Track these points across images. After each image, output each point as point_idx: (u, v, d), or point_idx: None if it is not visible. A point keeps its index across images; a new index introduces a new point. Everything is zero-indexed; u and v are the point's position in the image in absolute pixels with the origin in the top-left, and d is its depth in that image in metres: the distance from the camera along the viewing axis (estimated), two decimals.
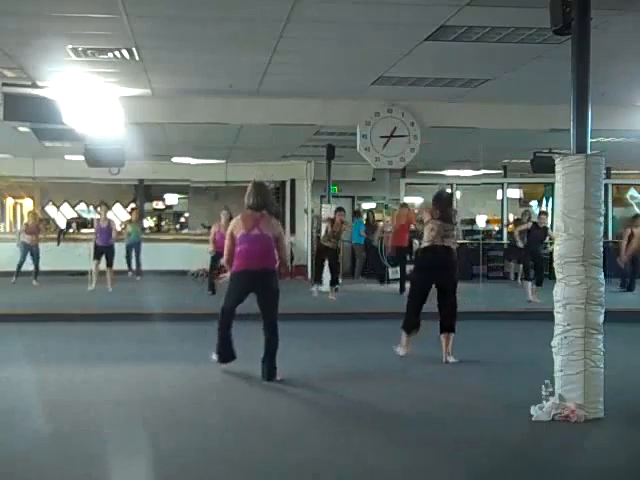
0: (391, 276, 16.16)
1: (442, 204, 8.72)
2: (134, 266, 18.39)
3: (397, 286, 15.53)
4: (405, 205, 16.97)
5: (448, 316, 8.44)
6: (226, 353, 7.66)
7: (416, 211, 16.00)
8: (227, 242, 7.59)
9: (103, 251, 15.78)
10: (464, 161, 19.73)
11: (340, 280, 16.96)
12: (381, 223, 19.78)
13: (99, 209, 17.10)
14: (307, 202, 21.48)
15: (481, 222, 22.44)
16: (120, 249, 17.05)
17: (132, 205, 22.84)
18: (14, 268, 16.73)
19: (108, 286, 15.48)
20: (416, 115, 12.54)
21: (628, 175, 22.09)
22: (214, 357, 7.78)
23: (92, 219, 18.01)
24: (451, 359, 8.40)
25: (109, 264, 15.77)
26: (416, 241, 14.71)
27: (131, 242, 18.36)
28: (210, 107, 12.25)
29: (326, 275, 15.55)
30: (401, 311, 8.81)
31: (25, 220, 18.19)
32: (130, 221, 19.41)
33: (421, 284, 8.67)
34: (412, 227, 15.78)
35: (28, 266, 16.83)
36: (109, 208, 17.63)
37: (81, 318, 11.67)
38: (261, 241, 7.39)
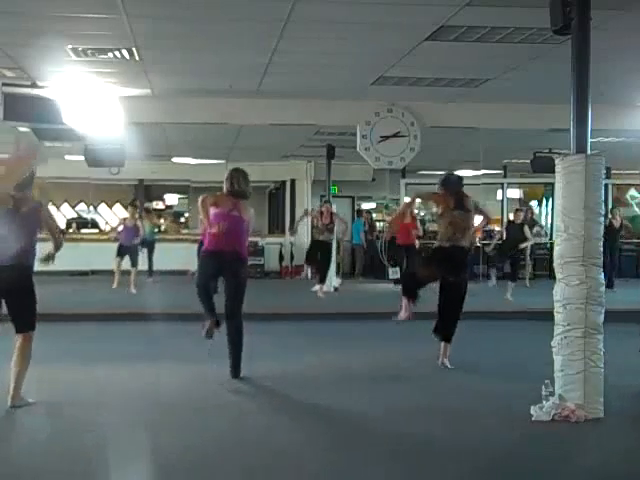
0: (391, 276, 16.09)
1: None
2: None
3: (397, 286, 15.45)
4: None
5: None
6: (210, 312, 7.56)
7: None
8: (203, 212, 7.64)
9: (126, 251, 15.83)
10: (464, 161, 19.71)
11: (339, 280, 16.97)
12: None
13: (129, 209, 17.06)
14: (307, 202, 21.47)
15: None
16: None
17: (146, 205, 22.66)
18: None
19: (131, 289, 15.27)
20: (416, 115, 12.55)
21: (628, 175, 22.07)
22: (203, 333, 7.63)
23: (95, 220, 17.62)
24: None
25: (133, 264, 15.81)
26: None
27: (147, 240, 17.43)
28: (210, 107, 12.26)
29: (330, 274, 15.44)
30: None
31: None
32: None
33: None
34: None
35: None
36: (136, 209, 17.34)
37: (81, 318, 11.66)
38: (238, 222, 7.62)
